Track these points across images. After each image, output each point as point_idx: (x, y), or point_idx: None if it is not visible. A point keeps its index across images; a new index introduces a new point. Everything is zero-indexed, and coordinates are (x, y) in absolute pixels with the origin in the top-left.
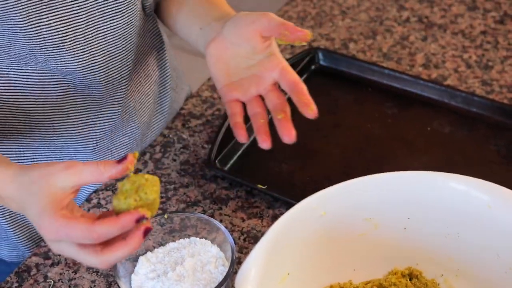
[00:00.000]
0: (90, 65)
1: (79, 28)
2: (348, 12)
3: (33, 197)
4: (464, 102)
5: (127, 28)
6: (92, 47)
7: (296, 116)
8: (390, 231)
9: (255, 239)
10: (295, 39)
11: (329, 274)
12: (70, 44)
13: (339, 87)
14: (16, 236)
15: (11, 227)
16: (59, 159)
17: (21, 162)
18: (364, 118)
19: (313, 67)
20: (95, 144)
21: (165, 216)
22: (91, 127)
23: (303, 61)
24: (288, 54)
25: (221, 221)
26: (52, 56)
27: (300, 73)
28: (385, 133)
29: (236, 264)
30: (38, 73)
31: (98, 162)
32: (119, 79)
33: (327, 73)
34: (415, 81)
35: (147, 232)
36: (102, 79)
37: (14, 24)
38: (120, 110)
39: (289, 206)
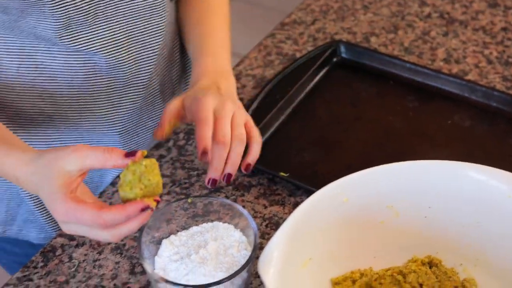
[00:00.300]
0: (112, 45)
1: (100, 6)
2: (370, 6)
3: (46, 180)
4: (484, 97)
5: (148, 10)
6: (113, 26)
7: (318, 107)
8: (411, 219)
9: (277, 225)
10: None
11: (350, 260)
12: (92, 20)
13: (360, 80)
14: (44, 218)
15: (38, 209)
16: (87, 142)
17: (49, 145)
18: (385, 111)
19: (335, 59)
20: (121, 127)
21: (189, 200)
22: (117, 109)
23: (325, 54)
24: (310, 46)
25: (243, 207)
26: (77, 36)
27: (321, 66)
28: (406, 127)
29: (258, 249)
30: (65, 54)
31: (106, 148)
32: (143, 62)
33: (349, 66)
34: (436, 75)
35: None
36: (125, 61)
37: (42, 5)
38: (143, 93)
39: (310, 194)
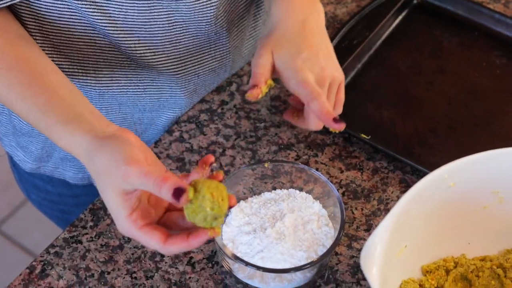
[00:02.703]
0: None
1: None
2: None
3: (103, 191)
4: None
5: None
6: None
7: (397, 56)
8: None
9: (355, 194)
10: (329, 126)
11: (443, 246)
12: None
13: (442, 27)
14: None
15: None
16: (139, 81)
17: (99, 81)
18: (470, 66)
19: (415, 1)
20: (179, 65)
21: (266, 165)
22: (175, 45)
23: None
24: None
25: (317, 169)
26: None
27: (400, 9)
28: (493, 85)
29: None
30: None
31: (157, 180)
32: None
33: (430, 10)
34: None
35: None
36: None
37: None
38: (208, 29)
39: (391, 159)
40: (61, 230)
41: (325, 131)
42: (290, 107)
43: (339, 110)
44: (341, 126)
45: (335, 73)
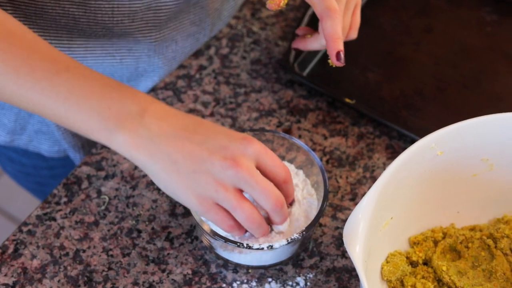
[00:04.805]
0: None
1: None
2: None
3: None
4: None
5: None
6: None
7: (383, 16)
8: (506, 174)
9: (339, 162)
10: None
11: (432, 216)
12: None
13: None
14: (60, 131)
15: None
16: (116, 51)
17: (73, 52)
18: (459, 24)
19: None
20: (157, 32)
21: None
22: (154, 11)
23: None
24: None
25: (299, 136)
26: None
27: None
28: (483, 44)
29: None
30: None
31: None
32: None
33: None
34: None
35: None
36: None
37: None
38: None
39: (376, 124)
40: (40, 201)
41: (308, 95)
42: (298, 38)
43: (354, 34)
44: (339, 64)
45: None
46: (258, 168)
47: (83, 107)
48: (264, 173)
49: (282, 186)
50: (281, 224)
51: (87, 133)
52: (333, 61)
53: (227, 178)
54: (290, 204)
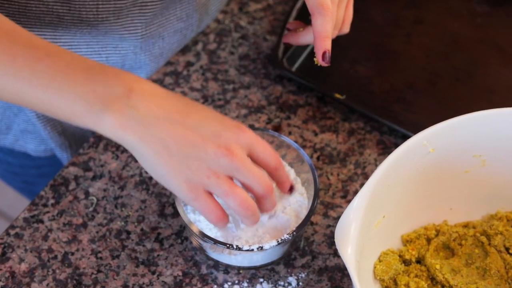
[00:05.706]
0: None
1: None
2: None
3: None
4: None
5: None
6: None
7: (373, 8)
8: (498, 170)
9: (330, 159)
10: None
11: (425, 213)
12: None
13: None
14: (47, 131)
15: (40, 120)
16: (102, 49)
17: None
18: (449, 15)
19: None
20: (144, 29)
21: None
22: (139, 8)
23: None
24: None
25: (289, 133)
26: None
27: None
28: (474, 35)
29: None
30: None
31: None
32: None
33: None
34: None
35: None
36: None
37: None
38: None
39: (367, 119)
40: (29, 201)
41: (298, 91)
42: (288, 32)
43: (347, 29)
44: (324, 64)
45: None
46: (249, 156)
47: (67, 92)
48: (256, 161)
49: (274, 173)
50: (269, 212)
51: (73, 118)
52: (318, 60)
53: (220, 166)
54: (290, 190)
